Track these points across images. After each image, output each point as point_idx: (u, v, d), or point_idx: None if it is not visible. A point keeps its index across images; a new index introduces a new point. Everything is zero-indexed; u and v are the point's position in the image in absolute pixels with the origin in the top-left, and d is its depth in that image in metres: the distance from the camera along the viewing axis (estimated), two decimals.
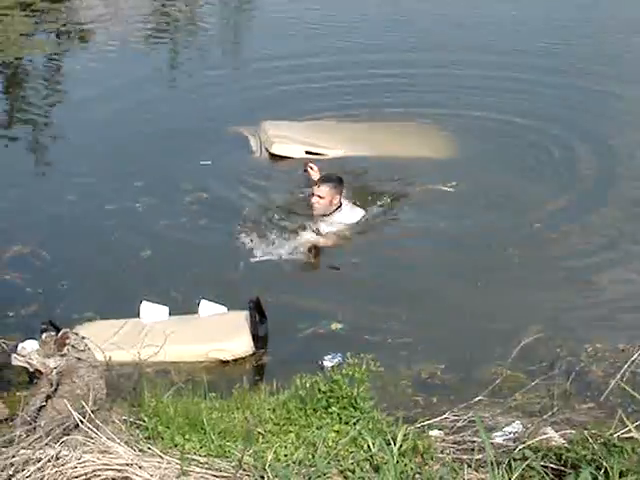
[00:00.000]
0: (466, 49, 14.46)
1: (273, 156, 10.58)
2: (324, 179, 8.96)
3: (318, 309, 7.56)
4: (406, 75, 13.36)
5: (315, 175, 9.23)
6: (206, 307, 7.29)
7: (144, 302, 7.27)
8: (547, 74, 13.34)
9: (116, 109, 12.08)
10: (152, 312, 7.23)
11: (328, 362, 6.50)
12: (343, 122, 11.50)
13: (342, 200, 8.98)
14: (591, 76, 13.23)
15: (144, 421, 4.90)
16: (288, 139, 10.74)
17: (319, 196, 8.85)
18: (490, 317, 7.41)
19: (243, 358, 6.86)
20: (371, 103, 12.20)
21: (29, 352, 5.34)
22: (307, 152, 10.57)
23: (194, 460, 4.51)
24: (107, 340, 6.64)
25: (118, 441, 4.54)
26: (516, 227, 8.97)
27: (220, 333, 6.99)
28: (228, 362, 6.81)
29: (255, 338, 6.98)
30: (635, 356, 6.25)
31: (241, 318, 7.09)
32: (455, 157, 10.54)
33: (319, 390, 4.94)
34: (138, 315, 7.22)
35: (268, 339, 7.10)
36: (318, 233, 8.66)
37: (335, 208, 8.91)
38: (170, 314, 7.28)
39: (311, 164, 9.39)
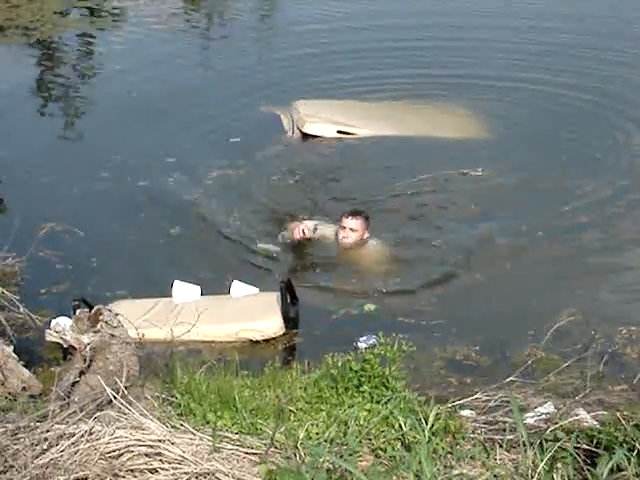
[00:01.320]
0: (512, 31, 14.45)
1: (305, 135, 10.60)
2: (355, 212, 8.20)
3: (351, 291, 7.57)
4: (440, 54, 13.36)
5: (309, 233, 8.16)
6: (238, 288, 7.31)
7: (176, 282, 7.29)
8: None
9: (149, 87, 12.17)
10: (184, 291, 7.25)
11: (363, 344, 6.49)
12: (374, 102, 11.50)
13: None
14: None
15: (176, 398, 4.93)
16: (320, 118, 10.76)
17: (351, 229, 8.12)
18: (524, 300, 7.41)
19: (274, 338, 6.89)
20: (403, 83, 12.19)
21: (63, 328, 5.37)
22: (339, 132, 10.60)
23: (226, 437, 4.52)
24: (139, 318, 6.66)
25: (151, 417, 4.56)
26: (546, 211, 8.92)
27: (251, 313, 7.02)
28: (259, 342, 6.84)
29: (286, 319, 6.99)
30: None
31: (272, 299, 7.10)
32: (485, 138, 10.52)
33: (351, 369, 4.93)
34: (170, 294, 7.25)
35: (299, 320, 7.12)
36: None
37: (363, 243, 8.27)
38: (202, 294, 7.30)
39: (304, 227, 8.10)
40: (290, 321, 7.03)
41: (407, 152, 10.14)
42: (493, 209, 8.96)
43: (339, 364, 5.03)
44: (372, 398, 4.83)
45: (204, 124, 10.93)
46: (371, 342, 6.43)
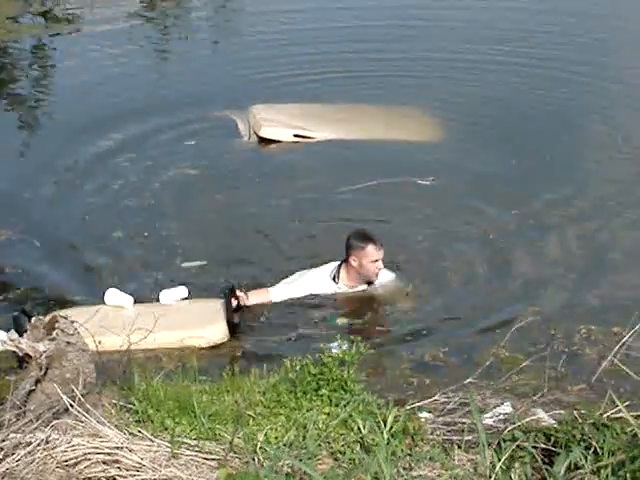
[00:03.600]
0: (462, 37, 14.54)
1: (262, 139, 10.59)
2: (378, 240, 7.34)
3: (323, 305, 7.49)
4: (396, 59, 13.40)
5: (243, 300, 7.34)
6: (167, 294, 7.28)
7: (110, 289, 7.26)
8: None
9: (102, 90, 12.19)
10: (117, 299, 7.22)
11: (335, 349, 6.42)
12: (331, 105, 11.51)
13: None
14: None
15: (134, 405, 4.88)
16: (277, 122, 10.75)
17: (383, 260, 7.40)
18: (490, 301, 7.48)
19: (218, 345, 6.87)
20: (360, 87, 12.23)
21: (18, 337, 5.32)
22: (295, 135, 10.61)
23: (184, 443, 4.50)
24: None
25: (108, 425, 4.52)
26: (501, 215, 8.95)
27: (196, 320, 7.00)
28: (218, 347, 6.82)
29: (230, 325, 6.95)
30: (626, 337, 6.25)
31: (216, 305, 7.08)
32: (441, 141, 10.55)
33: (309, 373, 4.92)
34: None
35: (243, 326, 7.09)
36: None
37: None
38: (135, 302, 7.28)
39: (241, 294, 7.23)
40: (235, 327, 6.99)
41: (362, 157, 10.15)
42: (447, 215, 8.93)
43: (297, 368, 5.02)
44: (331, 401, 4.81)
45: (158, 127, 10.90)
46: (344, 348, 6.39)
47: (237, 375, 5.40)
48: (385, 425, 4.47)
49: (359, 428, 4.53)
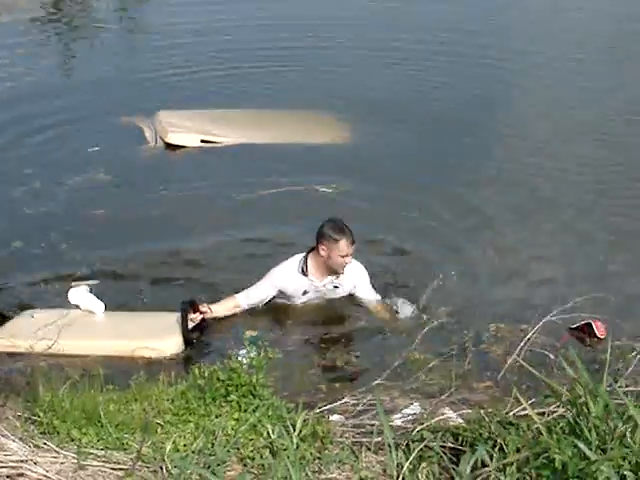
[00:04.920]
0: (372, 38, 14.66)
1: (168, 145, 10.52)
2: (351, 234, 7.14)
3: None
4: (302, 64, 13.46)
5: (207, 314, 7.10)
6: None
7: (72, 289, 7.16)
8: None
9: (6, 98, 11.90)
10: (81, 298, 7.11)
11: (242, 357, 6.38)
12: (238, 110, 11.51)
13: None
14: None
15: (39, 416, 4.80)
16: (183, 128, 10.70)
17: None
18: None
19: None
20: (266, 91, 12.25)
21: None
22: (202, 140, 10.57)
23: (91, 454, 4.44)
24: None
25: (12, 437, 4.45)
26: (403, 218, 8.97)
27: (150, 331, 6.85)
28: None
29: (186, 340, 6.79)
30: (530, 334, 6.35)
31: (173, 318, 6.89)
32: (349, 144, 10.60)
33: (218, 379, 4.90)
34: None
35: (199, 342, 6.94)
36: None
37: None
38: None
39: (204, 308, 7.01)
40: (191, 343, 6.81)
41: (268, 162, 10.13)
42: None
43: (206, 374, 5.00)
44: (240, 407, 4.80)
45: (62, 133, 10.76)
46: (253, 354, 6.34)
47: (145, 383, 5.35)
48: (294, 429, 4.46)
49: (268, 433, 4.51)
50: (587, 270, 8.03)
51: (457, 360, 6.39)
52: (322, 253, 7.18)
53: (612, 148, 10.78)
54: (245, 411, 4.74)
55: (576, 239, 8.59)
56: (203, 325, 6.99)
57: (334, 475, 4.28)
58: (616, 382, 5.12)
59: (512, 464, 3.93)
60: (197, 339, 6.89)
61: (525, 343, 6.24)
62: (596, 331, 6.85)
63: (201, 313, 6.93)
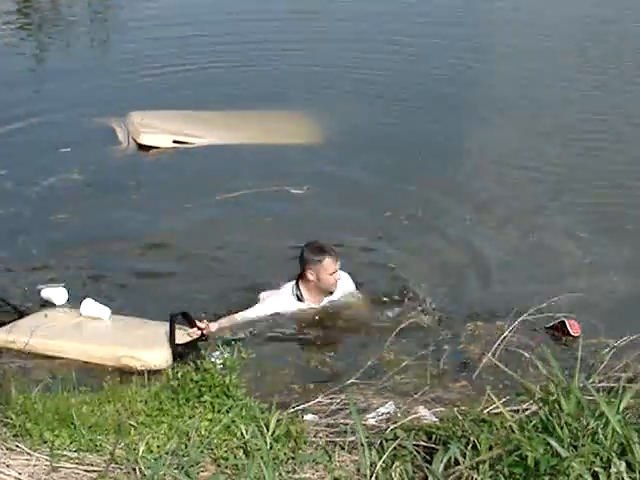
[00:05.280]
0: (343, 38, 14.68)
1: (141, 146, 10.49)
2: (333, 250, 7.22)
3: None
4: (273, 65, 13.46)
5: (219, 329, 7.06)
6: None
7: (87, 299, 7.10)
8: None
9: None
10: (93, 310, 7.07)
11: (215, 359, 6.34)
12: (210, 111, 11.49)
13: None
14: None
15: (11, 419, 4.77)
16: (156, 129, 10.68)
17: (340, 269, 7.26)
18: (383, 308, 7.41)
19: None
20: (237, 92, 12.24)
21: None
22: (175, 141, 10.55)
23: (64, 456, 4.42)
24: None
25: None
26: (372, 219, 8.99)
27: (141, 341, 6.76)
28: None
29: (175, 353, 6.65)
30: (506, 333, 6.38)
31: (165, 330, 6.78)
32: (321, 143, 10.61)
33: (191, 380, 4.89)
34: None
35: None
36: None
37: None
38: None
39: (202, 324, 6.92)
40: (181, 356, 6.64)
41: (240, 162, 10.12)
42: (320, 223, 8.82)
43: (179, 375, 4.98)
44: (213, 407, 4.78)
45: (33, 134, 10.72)
46: (226, 355, 6.31)
47: (118, 384, 5.34)
48: (267, 429, 4.46)
49: (242, 433, 4.51)
50: (563, 268, 8.07)
51: (433, 360, 6.42)
52: (311, 277, 7.19)
53: (590, 145, 10.84)
54: (219, 412, 4.73)
55: (552, 237, 8.63)
56: (203, 340, 6.84)
57: (308, 475, 4.28)
58: (589, 379, 5.18)
59: (485, 462, 3.94)
60: (187, 353, 6.68)
61: (500, 342, 6.27)
62: (570, 329, 6.89)
63: (199, 329, 6.83)
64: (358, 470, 4.29)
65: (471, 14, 16.62)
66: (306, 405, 5.18)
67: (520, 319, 6.46)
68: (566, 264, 8.15)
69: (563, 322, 6.92)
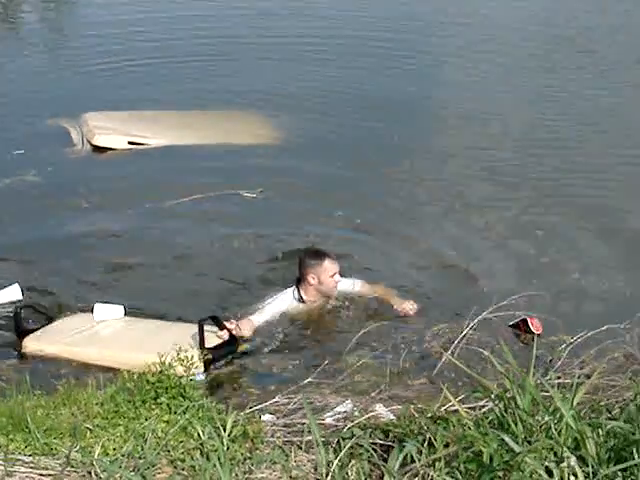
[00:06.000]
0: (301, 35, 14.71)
1: (96, 148, 10.44)
2: (332, 253, 7.43)
3: None
4: (229, 63, 13.45)
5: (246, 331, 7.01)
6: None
7: (97, 304, 7.07)
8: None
9: None
10: (106, 312, 7.05)
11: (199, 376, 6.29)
12: (165, 112, 11.46)
13: None
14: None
15: None
16: (110, 130, 10.62)
17: (340, 274, 7.40)
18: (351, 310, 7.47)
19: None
20: (194, 92, 12.21)
21: None
22: (130, 142, 10.51)
23: (19, 460, 4.38)
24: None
25: None
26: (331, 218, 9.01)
27: (171, 346, 6.61)
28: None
29: (205, 359, 6.51)
30: (465, 331, 6.43)
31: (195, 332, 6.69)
32: (276, 143, 10.61)
33: (147, 381, 4.87)
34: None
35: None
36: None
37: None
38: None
39: (231, 325, 6.87)
40: (215, 360, 6.60)
41: (194, 164, 10.13)
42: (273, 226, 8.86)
43: (135, 377, 4.96)
44: (170, 409, 4.76)
45: None
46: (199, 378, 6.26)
47: (74, 387, 5.30)
48: (224, 430, 4.45)
49: (199, 434, 4.49)
50: (522, 266, 8.16)
51: (395, 358, 6.46)
52: (312, 281, 7.30)
53: (547, 140, 11.08)
54: (175, 413, 4.71)
55: (511, 236, 8.71)
56: (234, 342, 6.77)
57: (265, 475, 4.27)
58: (546, 375, 5.23)
59: (441, 459, 3.96)
60: (217, 359, 6.65)
61: (460, 341, 6.31)
62: (531, 327, 6.93)
63: (228, 330, 6.77)
64: (315, 469, 4.28)
65: (419, 20, 16.71)
66: (263, 405, 5.17)
67: (479, 318, 6.53)
68: (525, 262, 8.21)
69: (525, 320, 6.96)
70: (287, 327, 7.18)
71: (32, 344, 6.79)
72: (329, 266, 7.28)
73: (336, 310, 7.42)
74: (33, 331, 6.90)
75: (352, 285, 7.54)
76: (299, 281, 7.39)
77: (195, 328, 6.67)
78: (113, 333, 6.89)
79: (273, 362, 6.75)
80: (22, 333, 6.87)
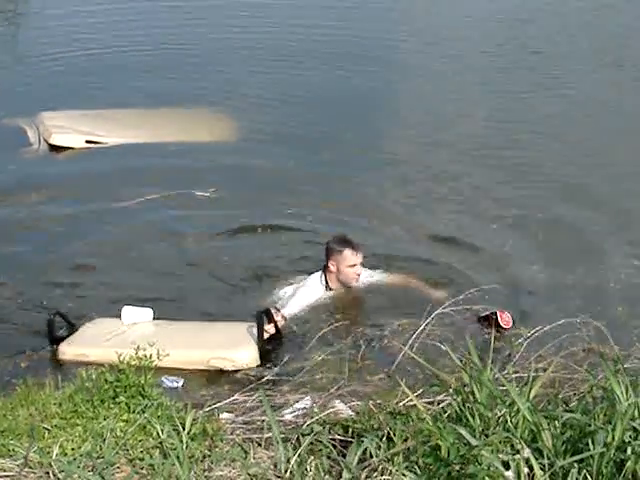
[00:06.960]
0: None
1: (53, 147, 10.37)
2: (356, 244, 7.39)
3: None
4: (189, 62, 13.43)
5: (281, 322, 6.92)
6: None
7: (125, 307, 7.05)
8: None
9: None
10: (135, 315, 7.03)
11: (168, 382, 6.31)
12: (123, 110, 11.41)
13: None
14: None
15: None
16: (68, 129, 10.57)
17: (362, 264, 7.41)
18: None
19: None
20: (151, 91, 12.17)
21: None
22: (87, 141, 10.46)
23: None
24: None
25: None
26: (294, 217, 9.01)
27: (226, 341, 6.73)
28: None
29: (261, 351, 6.64)
30: (422, 326, 6.45)
31: (248, 328, 6.77)
32: (234, 141, 10.60)
33: (106, 381, 4.85)
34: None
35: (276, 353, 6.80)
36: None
37: None
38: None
39: (278, 318, 6.85)
40: (269, 353, 6.68)
41: (151, 163, 10.09)
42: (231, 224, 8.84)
43: (94, 377, 4.94)
44: (129, 408, 4.75)
45: None
46: (175, 385, 6.27)
47: (31, 387, 5.26)
48: (184, 428, 4.44)
49: (158, 433, 4.48)
50: (481, 260, 8.19)
51: (354, 354, 6.47)
52: (332, 269, 7.35)
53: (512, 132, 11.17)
54: (134, 412, 4.70)
55: (468, 230, 8.75)
56: (277, 336, 6.84)
57: (224, 472, 4.27)
58: (504, 369, 5.27)
59: (399, 454, 3.98)
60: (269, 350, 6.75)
61: (418, 335, 6.34)
62: (500, 321, 6.95)
63: (275, 323, 6.78)
64: (275, 466, 4.29)
65: (378, 17, 16.76)
66: (222, 403, 5.19)
67: (435, 313, 6.56)
68: (483, 255, 8.25)
69: (495, 313, 6.98)
70: None
71: (71, 350, 6.76)
72: (349, 255, 7.26)
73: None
74: (64, 339, 6.88)
75: (372, 276, 7.55)
76: (325, 267, 7.43)
77: (229, 326, 6.89)
78: (158, 334, 6.70)
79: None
80: (55, 340, 6.86)
